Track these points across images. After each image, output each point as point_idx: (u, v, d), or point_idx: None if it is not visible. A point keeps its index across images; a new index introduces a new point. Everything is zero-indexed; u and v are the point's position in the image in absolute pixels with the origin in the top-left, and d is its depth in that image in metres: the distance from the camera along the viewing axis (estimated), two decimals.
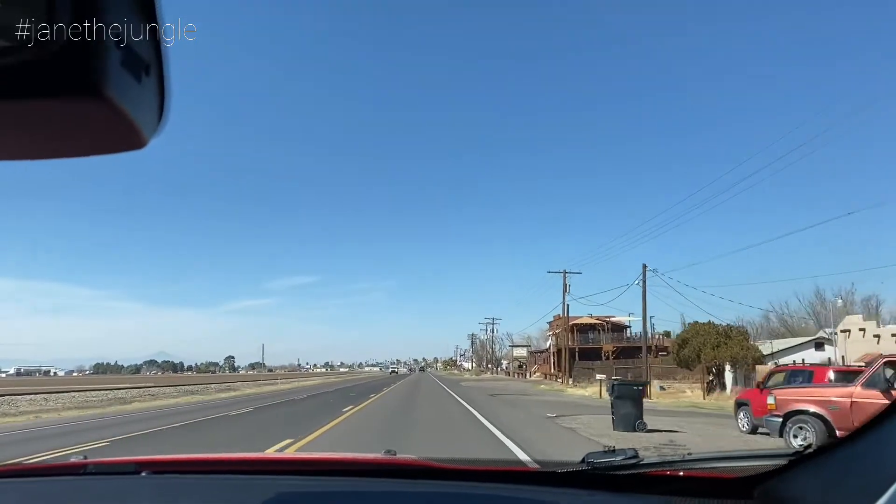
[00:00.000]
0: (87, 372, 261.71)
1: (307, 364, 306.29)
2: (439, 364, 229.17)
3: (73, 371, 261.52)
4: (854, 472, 1.01)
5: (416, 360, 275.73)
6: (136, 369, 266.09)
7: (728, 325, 33.58)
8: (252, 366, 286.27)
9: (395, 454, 1.74)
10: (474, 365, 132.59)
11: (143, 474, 1.55)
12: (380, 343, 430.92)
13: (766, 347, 37.33)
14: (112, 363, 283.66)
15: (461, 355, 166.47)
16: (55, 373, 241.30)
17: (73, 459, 1.70)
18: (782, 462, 1.20)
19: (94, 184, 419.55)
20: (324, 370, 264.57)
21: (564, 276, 49.85)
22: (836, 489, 1.03)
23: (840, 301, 44.53)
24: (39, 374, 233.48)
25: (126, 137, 0.49)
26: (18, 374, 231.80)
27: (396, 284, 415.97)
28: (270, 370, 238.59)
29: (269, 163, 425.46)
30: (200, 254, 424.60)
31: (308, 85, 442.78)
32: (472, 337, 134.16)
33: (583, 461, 1.41)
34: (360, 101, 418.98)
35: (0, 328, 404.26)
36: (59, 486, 1.55)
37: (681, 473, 1.35)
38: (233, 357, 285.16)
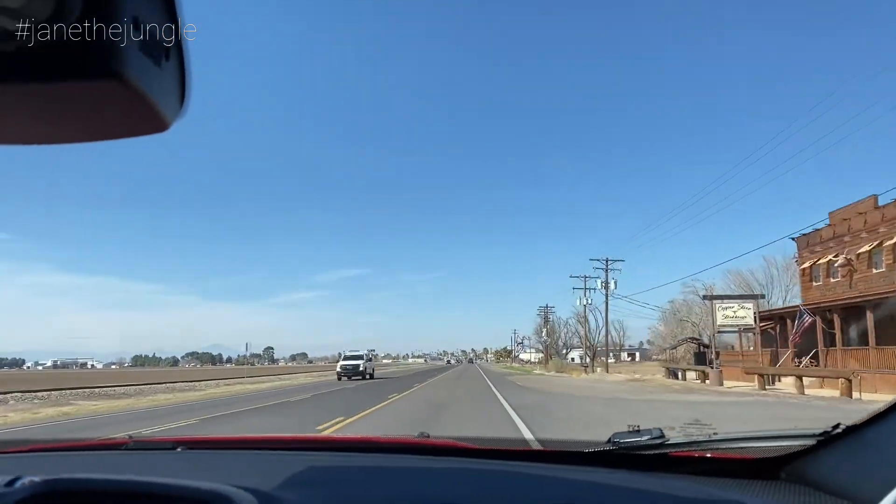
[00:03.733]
0: (127, 364, 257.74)
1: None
2: (490, 355, 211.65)
3: (112, 363, 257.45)
4: (883, 451, 1.00)
5: (463, 351, 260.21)
6: (175, 362, 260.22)
7: None
8: (293, 357, 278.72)
9: (427, 436, 1.82)
10: (541, 355, 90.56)
11: (179, 450, 1.64)
12: (427, 334, 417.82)
13: None
14: (150, 355, 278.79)
15: (518, 343, 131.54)
16: (92, 365, 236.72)
17: (119, 438, 1.82)
18: (810, 442, 1.19)
19: (151, 180, 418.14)
20: None
21: None
22: (865, 469, 1.03)
23: None
24: (76, 366, 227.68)
25: (147, 121, 0.49)
26: (55, 366, 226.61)
27: (444, 275, 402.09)
28: (310, 361, 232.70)
29: (325, 159, 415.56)
30: (254, 249, 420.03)
31: (360, 77, 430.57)
32: (545, 310, 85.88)
33: (609, 441, 1.42)
34: (399, 92, 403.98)
35: (51, 322, 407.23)
36: (102, 459, 1.66)
37: (707, 454, 1.35)
38: (272, 349, 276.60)
